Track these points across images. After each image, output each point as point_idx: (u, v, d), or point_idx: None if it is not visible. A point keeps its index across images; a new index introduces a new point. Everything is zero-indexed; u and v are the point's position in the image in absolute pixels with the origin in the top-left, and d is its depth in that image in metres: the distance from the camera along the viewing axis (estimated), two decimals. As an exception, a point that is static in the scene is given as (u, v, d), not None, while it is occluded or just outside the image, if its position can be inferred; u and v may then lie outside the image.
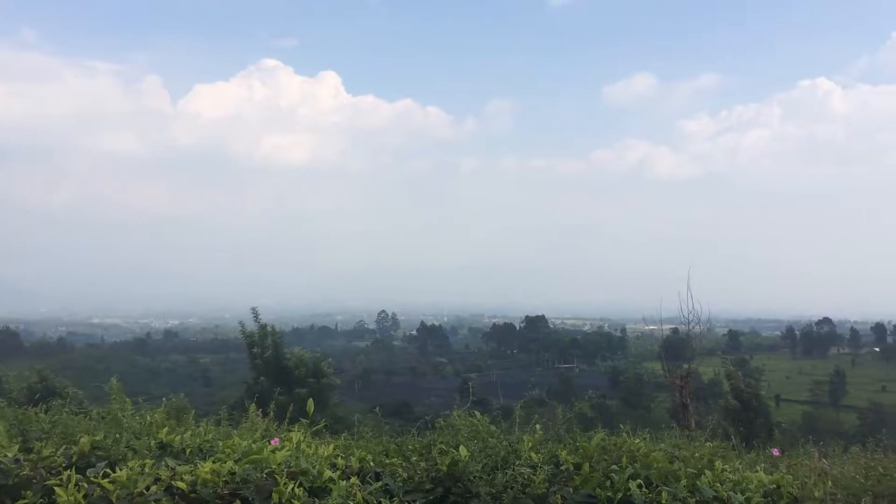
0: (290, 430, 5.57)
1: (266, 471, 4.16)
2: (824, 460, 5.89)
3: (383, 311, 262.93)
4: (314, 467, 4.21)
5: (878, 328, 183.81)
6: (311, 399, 5.58)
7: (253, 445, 4.67)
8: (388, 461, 5.01)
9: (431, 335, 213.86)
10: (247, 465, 4.24)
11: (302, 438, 4.80)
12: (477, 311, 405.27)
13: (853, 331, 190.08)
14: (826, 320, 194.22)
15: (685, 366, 15.60)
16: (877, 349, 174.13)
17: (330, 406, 37.61)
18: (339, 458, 4.70)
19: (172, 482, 3.93)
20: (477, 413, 6.06)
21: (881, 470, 5.49)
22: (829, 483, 4.93)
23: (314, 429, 5.65)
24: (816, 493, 4.68)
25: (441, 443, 5.07)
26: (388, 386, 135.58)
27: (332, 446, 4.93)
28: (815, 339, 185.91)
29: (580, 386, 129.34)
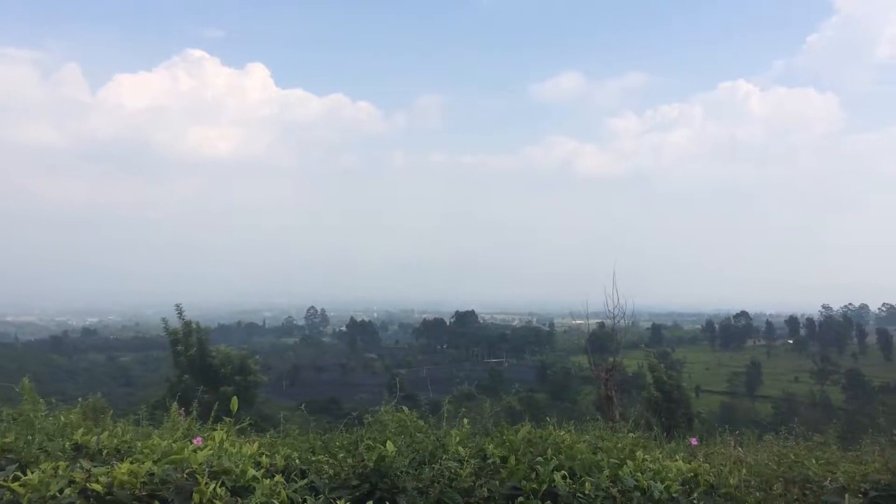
0: (214, 430, 5.44)
1: (187, 471, 4.05)
2: (740, 449, 6.12)
3: (312, 307, 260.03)
4: (237, 466, 4.12)
5: (792, 321, 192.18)
6: (235, 397, 5.46)
7: (173, 445, 4.54)
8: (314, 458, 4.95)
9: (361, 331, 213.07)
10: (166, 466, 4.12)
11: (225, 437, 4.69)
12: (407, 307, 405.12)
13: (768, 324, 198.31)
14: (743, 314, 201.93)
15: (610, 359, 15.94)
16: (790, 341, 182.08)
17: (257, 404, 37.13)
18: (264, 457, 4.61)
19: (87, 484, 3.78)
20: (405, 408, 6.04)
21: (792, 457, 5.73)
22: (744, 470, 5.12)
23: (237, 427, 5.53)
24: (732, 481, 4.86)
25: (368, 439, 5.03)
26: (318, 382, 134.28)
27: (256, 444, 4.82)
28: (733, 331, 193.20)
29: (509, 380, 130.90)
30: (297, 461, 4.82)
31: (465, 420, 5.88)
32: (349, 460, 4.75)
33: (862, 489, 4.74)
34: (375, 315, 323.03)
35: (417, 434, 5.37)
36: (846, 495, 4.49)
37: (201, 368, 31.91)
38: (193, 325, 33.18)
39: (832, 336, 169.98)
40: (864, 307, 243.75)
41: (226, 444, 4.55)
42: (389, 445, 4.63)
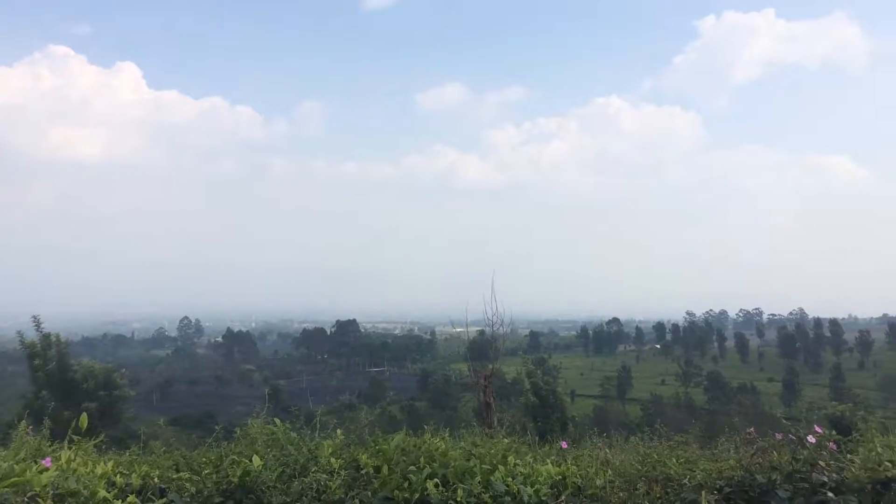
0: (69, 449, 5.05)
1: (29, 494, 3.73)
2: (607, 451, 6.30)
3: (186, 317, 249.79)
4: (86, 488, 3.84)
5: (659, 327, 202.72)
6: (84, 413, 5.08)
7: (15, 466, 4.17)
8: (175, 476, 4.69)
9: (238, 342, 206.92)
10: (6, 489, 3.77)
11: (73, 456, 4.36)
12: (287, 317, 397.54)
13: (638, 329, 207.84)
14: (615, 320, 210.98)
15: (490, 366, 16.15)
16: (658, 346, 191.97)
17: (124, 420, 35.20)
18: (119, 476, 4.32)
19: None
20: (277, 420, 5.86)
21: (655, 457, 5.95)
22: (610, 471, 5.28)
23: (89, 444, 5.15)
24: (598, 482, 4.99)
25: (235, 453, 4.82)
26: (191, 396, 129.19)
27: (111, 463, 4.51)
28: (606, 337, 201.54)
29: (391, 389, 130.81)
30: (155, 480, 4.55)
31: (339, 431, 5.76)
32: (213, 476, 4.53)
33: (717, 486, 4.98)
34: (253, 325, 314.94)
35: (288, 447, 5.21)
36: (703, 492, 4.70)
37: (61, 384, 29.95)
38: (53, 338, 31.13)
39: (695, 340, 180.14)
40: (723, 313, 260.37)
41: (74, 464, 4.22)
42: (256, 459, 4.46)
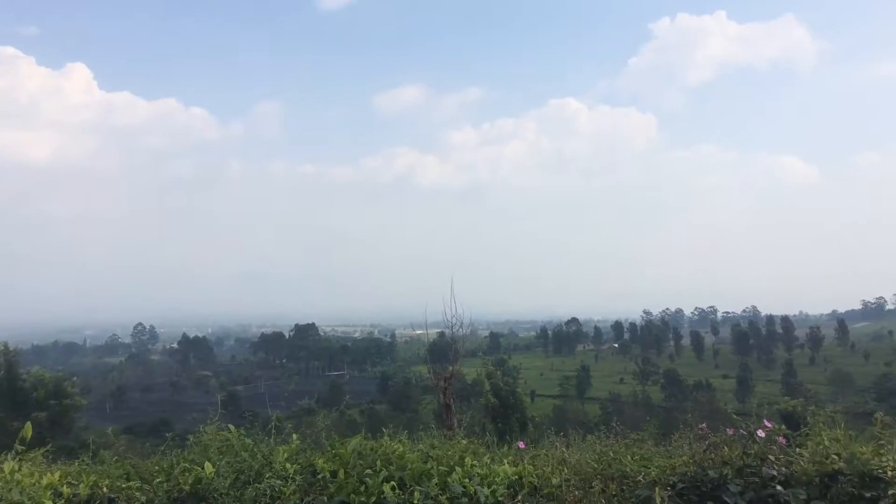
0: (13, 460, 4.90)
1: (-30, 508, 3.62)
2: (564, 450, 6.34)
3: (140, 323, 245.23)
4: (31, 499, 3.73)
5: (617, 326, 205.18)
6: (28, 423, 4.93)
7: (-46, 480, 4.04)
8: (125, 485, 4.59)
9: (194, 348, 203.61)
10: (-55, 504, 3.65)
11: (18, 467, 4.23)
12: (245, 321, 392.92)
13: (597, 329, 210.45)
14: (574, 320, 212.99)
15: (450, 368, 16.17)
16: (616, 345, 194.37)
17: (75, 429, 34.43)
18: (66, 487, 4.21)
19: None
20: (231, 426, 5.77)
21: (611, 454, 6.02)
22: (566, 470, 5.31)
23: (37, 454, 5.01)
24: (554, 481, 5.02)
25: (186, 461, 4.73)
26: (146, 403, 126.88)
27: (58, 473, 4.39)
28: (565, 337, 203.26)
29: (351, 392, 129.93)
30: (104, 489, 4.44)
31: (295, 435, 5.70)
32: (164, 485, 4.44)
33: (671, 482, 5.05)
34: (210, 331, 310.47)
35: (242, 453, 5.13)
36: (657, 488, 4.77)
37: (9, 394, 29.22)
38: (1, 347, 30.37)
39: (652, 339, 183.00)
40: (679, 311, 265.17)
41: (20, 475, 4.10)
42: (208, 466, 4.38)
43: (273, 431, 6.14)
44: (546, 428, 12.77)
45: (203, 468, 4.36)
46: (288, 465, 4.88)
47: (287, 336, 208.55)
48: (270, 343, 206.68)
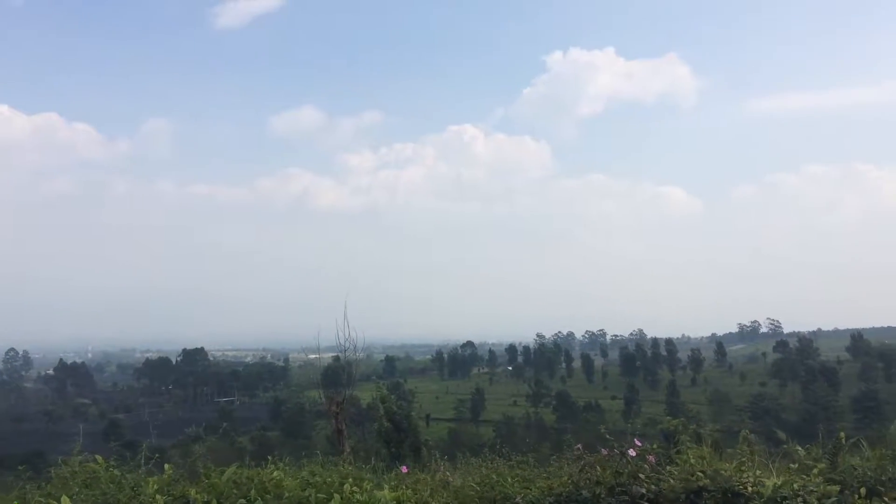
0: None
1: None
2: (447, 473, 6.37)
3: (12, 348, 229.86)
4: None
5: (511, 349, 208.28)
6: None
7: None
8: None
9: (72, 374, 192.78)
10: None
11: None
12: (128, 346, 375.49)
13: (491, 352, 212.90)
14: (469, 343, 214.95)
15: (343, 392, 16.03)
16: (510, 368, 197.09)
17: (-68, 464, 31.69)
18: None
19: None
20: (99, 457, 5.48)
21: (495, 477, 6.09)
22: (447, 493, 5.34)
23: None
24: (433, 504, 5.03)
25: (43, 494, 4.45)
26: (17, 434, 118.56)
27: None
28: (460, 360, 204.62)
29: (242, 419, 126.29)
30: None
31: (167, 465, 5.47)
32: (16, 522, 4.16)
33: (549, 502, 5.16)
34: (90, 356, 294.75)
35: (109, 485, 4.88)
36: (534, 509, 4.86)
37: None
38: None
39: (545, 362, 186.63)
40: (570, 334, 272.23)
41: None
42: (65, 500, 4.13)
43: (146, 462, 5.88)
44: (440, 451, 12.82)
45: (59, 502, 4.11)
46: (158, 497, 4.68)
47: (174, 361, 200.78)
48: (156, 369, 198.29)
